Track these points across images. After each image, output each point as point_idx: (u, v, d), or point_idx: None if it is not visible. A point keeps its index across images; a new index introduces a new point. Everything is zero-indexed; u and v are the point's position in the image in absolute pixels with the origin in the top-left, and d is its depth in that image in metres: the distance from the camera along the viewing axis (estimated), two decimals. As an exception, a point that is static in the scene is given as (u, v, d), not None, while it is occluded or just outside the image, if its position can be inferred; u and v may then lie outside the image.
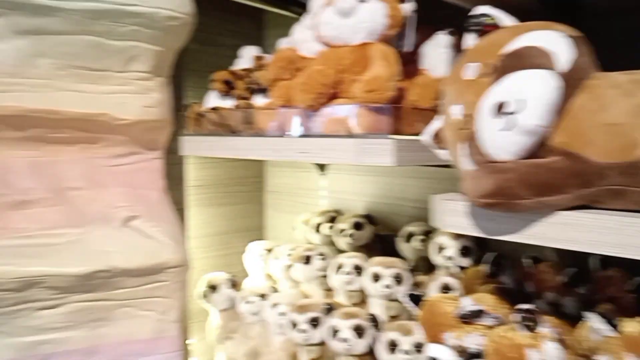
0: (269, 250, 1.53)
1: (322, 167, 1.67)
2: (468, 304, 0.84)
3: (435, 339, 0.86)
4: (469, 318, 0.83)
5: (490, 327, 0.83)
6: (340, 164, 1.61)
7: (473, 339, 0.82)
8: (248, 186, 1.83)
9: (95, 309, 1.24)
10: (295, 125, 1.06)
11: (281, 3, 1.59)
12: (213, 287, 1.43)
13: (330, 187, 1.69)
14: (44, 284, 1.17)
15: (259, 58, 1.36)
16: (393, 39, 1.04)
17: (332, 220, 1.50)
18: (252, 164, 1.83)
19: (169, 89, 1.30)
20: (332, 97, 1.02)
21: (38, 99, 1.15)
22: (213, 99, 1.32)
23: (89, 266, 1.18)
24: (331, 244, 1.48)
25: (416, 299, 0.97)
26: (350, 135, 0.96)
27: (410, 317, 1.21)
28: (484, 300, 0.89)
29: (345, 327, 1.12)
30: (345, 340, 1.11)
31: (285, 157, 1.07)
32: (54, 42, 1.14)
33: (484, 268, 1.15)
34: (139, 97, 1.23)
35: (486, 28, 0.81)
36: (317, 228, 1.51)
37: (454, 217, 0.77)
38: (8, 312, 1.18)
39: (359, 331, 1.11)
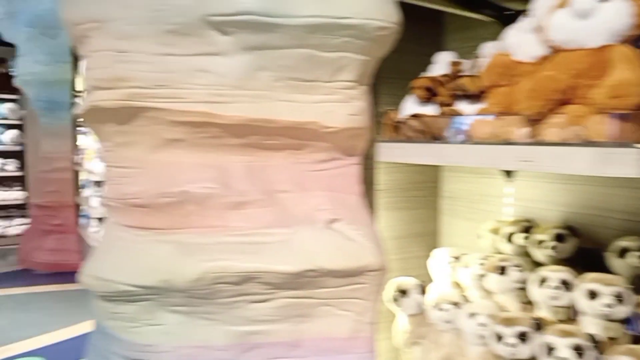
0: (456, 258, 1.51)
1: (508, 173, 1.60)
2: None
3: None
4: None
5: None
6: (533, 171, 1.53)
7: None
8: (423, 191, 1.82)
9: (300, 306, 1.32)
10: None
11: (471, 6, 1.55)
12: (403, 292, 1.45)
13: (517, 195, 1.61)
14: (259, 279, 1.27)
15: (455, 64, 1.34)
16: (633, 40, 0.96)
17: (526, 230, 1.43)
18: (428, 169, 1.82)
19: (369, 97, 1.34)
20: (562, 104, 0.97)
21: (258, 109, 1.25)
22: (411, 106, 1.33)
23: (299, 265, 1.25)
24: (525, 255, 1.41)
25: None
26: (588, 144, 0.90)
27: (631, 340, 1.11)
28: None
29: (563, 346, 1.05)
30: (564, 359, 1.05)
31: (502, 165, 1.04)
32: (274, 56, 1.23)
33: None
34: (345, 106, 1.29)
35: None
36: (509, 238, 1.44)
37: None
38: (226, 303, 1.30)
39: (578, 351, 1.05)
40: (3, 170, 6.27)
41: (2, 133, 6.25)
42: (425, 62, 1.64)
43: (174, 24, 1.22)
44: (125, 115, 1.30)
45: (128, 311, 1.35)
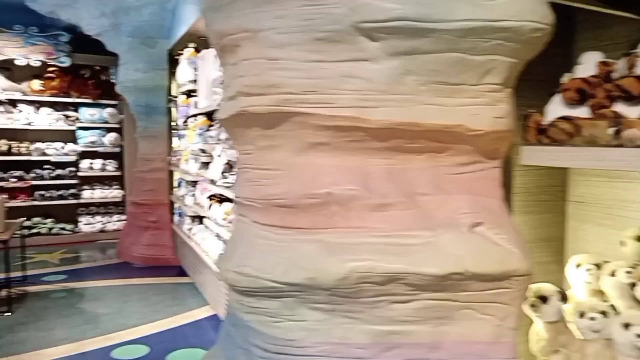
0: (597, 265, 1.45)
1: (652, 178, 1.52)
2: None
3: None
4: None
5: None
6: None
7: None
8: (551, 195, 1.77)
9: (441, 308, 1.32)
10: None
11: (617, 3, 1.49)
12: (543, 298, 1.42)
13: (659, 200, 1.53)
14: (403, 280, 1.29)
15: (605, 64, 1.30)
16: None
17: (679, 238, 1.35)
18: (556, 173, 1.76)
19: (513, 100, 1.32)
20: None
21: (403, 113, 1.27)
22: (558, 108, 1.30)
23: (445, 268, 1.26)
24: (678, 264, 1.34)
25: None
26: None
27: None
28: None
29: None
30: None
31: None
32: (422, 61, 1.25)
33: None
34: (490, 109, 1.28)
35: None
36: (659, 246, 1.37)
37: None
38: (369, 302, 1.33)
39: None
40: (104, 170, 6.76)
41: (103, 136, 6.74)
42: (554, 63, 1.60)
43: (325, 32, 1.26)
44: (273, 120, 1.37)
45: (270, 306, 1.42)
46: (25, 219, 5.21)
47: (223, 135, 3.86)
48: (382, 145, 1.34)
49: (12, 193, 6.06)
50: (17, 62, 6.11)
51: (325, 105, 1.29)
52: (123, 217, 6.71)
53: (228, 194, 3.73)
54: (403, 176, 1.36)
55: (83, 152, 6.69)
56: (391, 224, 1.33)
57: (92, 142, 6.68)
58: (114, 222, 6.78)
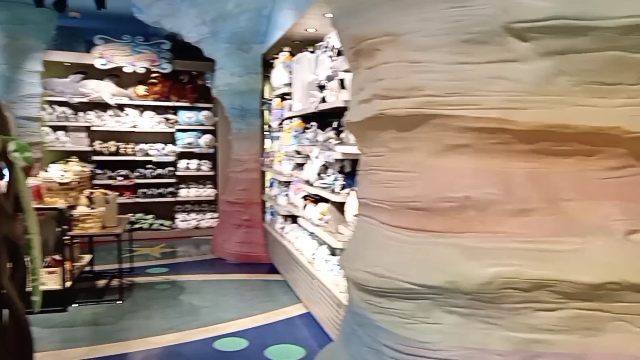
0: None
1: None
2: None
3: None
4: None
5: None
6: None
7: None
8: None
9: (590, 318, 1.26)
10: None
11: None
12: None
13: None
14: (551, 287, 1.24)
15: None
16: None
17: None
18: None
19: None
20: None
21: (554, 115, 1.23)
22: None
23: (599, 276, 1.20)
24: None
25: None
26: None
27: None
28: None
29: None
30: None
31: None
32: (577, 60, 1.20)
33: None
34: (651, 110, 1.21)
35: None
36: None
37: None
38: (511, 309, 1.30)
39: None
40: (199, 170, 7.12)
41: (199, 137, 7.10)
42: None
43: (471, 33, 1.25)
44: (411, 122, 1.38)
45: (403, 308, 1.42)
46: (132, 214, 5.60)
47: (320, 137, 3.93)
48: (527, 148, 1.30)
49: (119, 191, 6.54)
50: (124, 69, 6.59)
51: (470, 106, 1.28)
52: (215, 215, 7.02)
53: (324, 194, 3.79)
54: (546, 180, 1.31)
55: (181, 152, 7.08)
56: (533, 229, 1.29)
57: (189, 144, 7.06)
58: (207, 220, 7.11)
